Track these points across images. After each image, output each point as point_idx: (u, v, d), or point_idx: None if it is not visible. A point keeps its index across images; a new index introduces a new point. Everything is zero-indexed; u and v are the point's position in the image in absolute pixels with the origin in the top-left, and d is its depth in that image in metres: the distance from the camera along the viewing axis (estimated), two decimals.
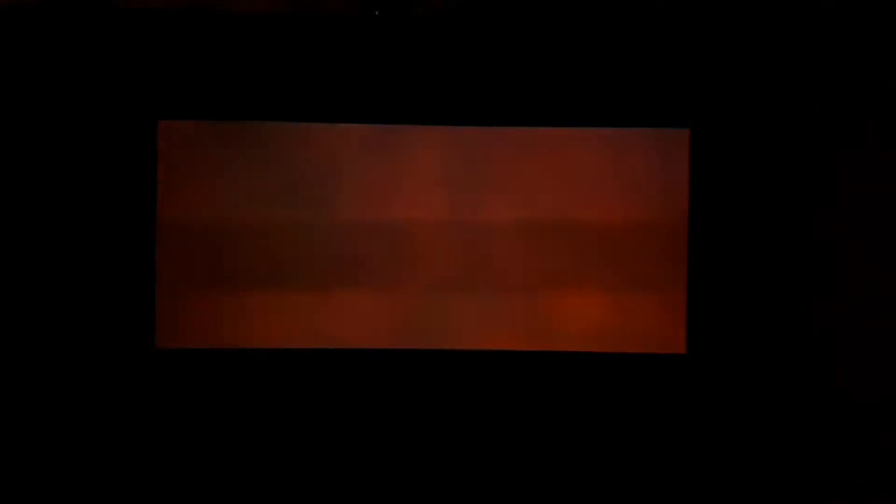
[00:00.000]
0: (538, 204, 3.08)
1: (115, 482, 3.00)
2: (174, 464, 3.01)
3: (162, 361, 3.02)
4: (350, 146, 3.08)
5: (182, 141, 3.04)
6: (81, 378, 2.99)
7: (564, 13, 3.08)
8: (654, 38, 3.07)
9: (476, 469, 3.06)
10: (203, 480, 3.03)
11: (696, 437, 3.07)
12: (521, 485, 3.06)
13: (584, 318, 3.09)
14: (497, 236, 3.08)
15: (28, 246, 2.99)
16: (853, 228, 2.99)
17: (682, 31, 3.07)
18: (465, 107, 3.08)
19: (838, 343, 3.00)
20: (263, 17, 3.03)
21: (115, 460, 3.00)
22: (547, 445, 3.07)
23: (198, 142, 3.05)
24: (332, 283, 3.05)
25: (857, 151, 3.00)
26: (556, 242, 3.09)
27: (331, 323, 3.06)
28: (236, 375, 3.04)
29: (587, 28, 3.08)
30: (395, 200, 3.08)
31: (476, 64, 3.07)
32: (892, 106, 2.98)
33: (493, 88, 3.07)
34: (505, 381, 3.08)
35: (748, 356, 3.07)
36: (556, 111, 3.08)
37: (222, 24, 3.02)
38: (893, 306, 2.96)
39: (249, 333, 3.05)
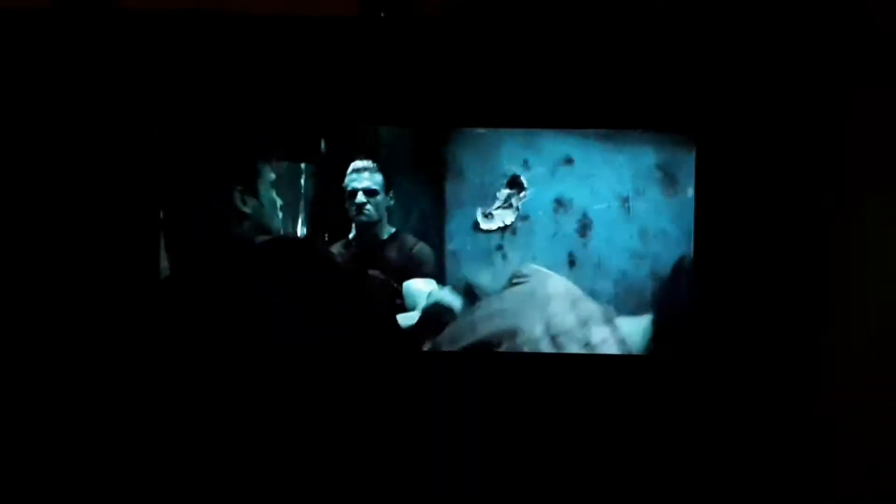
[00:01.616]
0: None
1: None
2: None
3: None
4: None
5: None
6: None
7: (565, 14, 3.08)
8: (655, 38, 3.06)
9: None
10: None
11: (699, 440, 3.09)
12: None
13: None
14: None
15: (28, 246, 3.01)
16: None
17: (682, 32, 3.06)
18: (467, 107, 3.09)
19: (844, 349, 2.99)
20: (263, 19, 3.04)
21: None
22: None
23: None
24: None
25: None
26: None
27: None
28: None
29: (588, 29, 3.07)
30: None
31: (478, 65, 3.07)
32: None
33: (495, 89, 3.07)
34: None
35: (755, 362, 3.08)
36: (557, 112, 3.08)
37: (222, 25, 3.03)
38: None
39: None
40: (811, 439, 3.03)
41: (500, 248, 3.08)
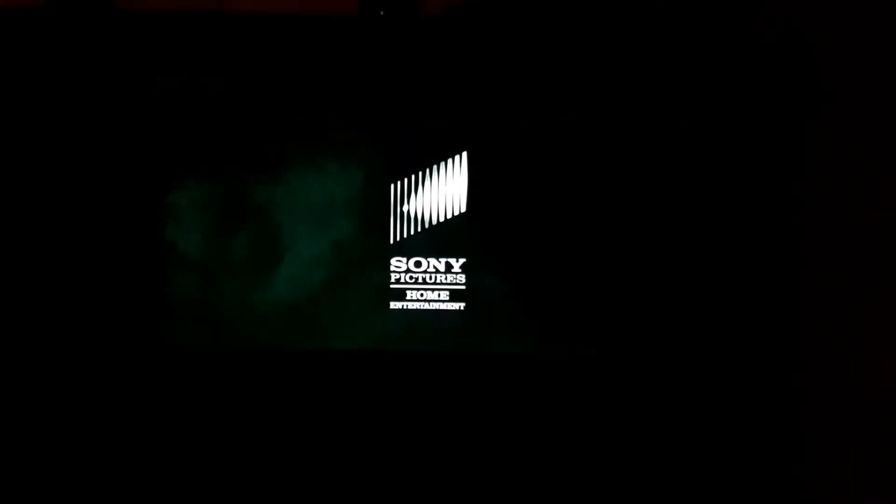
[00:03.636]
0: None
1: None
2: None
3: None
4: None
5: None
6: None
7: (565, 14, 3.08)
8: (655, 37, 3.06)
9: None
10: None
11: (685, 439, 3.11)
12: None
13: None
14: None
15: (29, 247, 3.02)
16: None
17: (682, 31, 3.06)
18: (468, 107, 3.09)
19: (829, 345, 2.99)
20: (262, 18, 3.04)
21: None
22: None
23: None
24: None
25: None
26: None
27: None
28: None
29: (588, 28, 3.07)
30: None
31: (477, 64, 3.07)
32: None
33: (495, 88, 3.08)
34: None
35: (736, 358, 3.09)
36: (557, 111, 3.08)
37: (220, 25, 3.04)
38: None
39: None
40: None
41: None
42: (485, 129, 3.09)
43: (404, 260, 3.12)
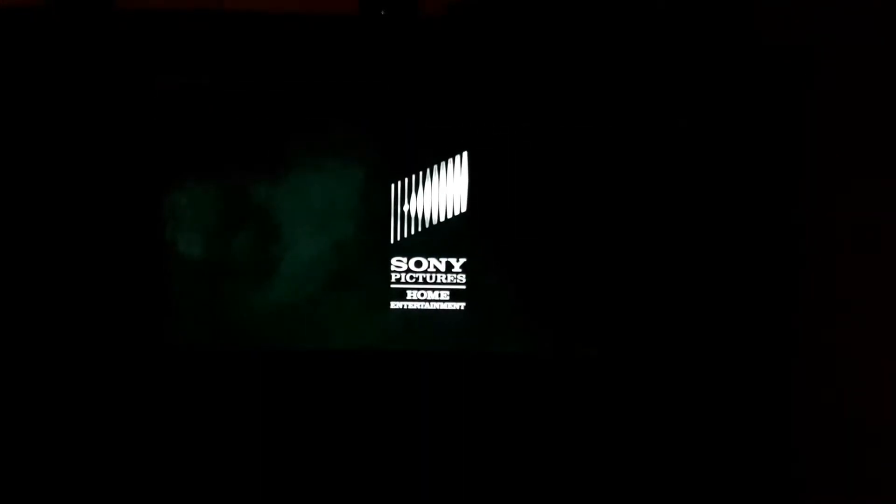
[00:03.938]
0: None
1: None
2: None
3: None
4: None
5: None
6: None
7: (565, 14, 3.08)
8: (655, 37, 3.06)
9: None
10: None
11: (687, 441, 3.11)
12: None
13: None
14: None
15: (28, 245, 3.02)
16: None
17: (682, 32, 3.06)
18: (468, 107, 3.09)
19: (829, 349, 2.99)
20: (262, 18, 3.04)
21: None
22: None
23: None
24: None
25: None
26: None
27: None
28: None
29: (588, 28, 3.07)
30: None
31: (477, 64, 3.07)
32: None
33: (494, 88, 3.08)
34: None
35: (736, 358, 3.09)
36: (557, 111, 3.08)
37: (221, 25, 3.04)
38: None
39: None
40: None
41: None
42: (485, 129, 3.10)
43: (405, 260, 3.12)
